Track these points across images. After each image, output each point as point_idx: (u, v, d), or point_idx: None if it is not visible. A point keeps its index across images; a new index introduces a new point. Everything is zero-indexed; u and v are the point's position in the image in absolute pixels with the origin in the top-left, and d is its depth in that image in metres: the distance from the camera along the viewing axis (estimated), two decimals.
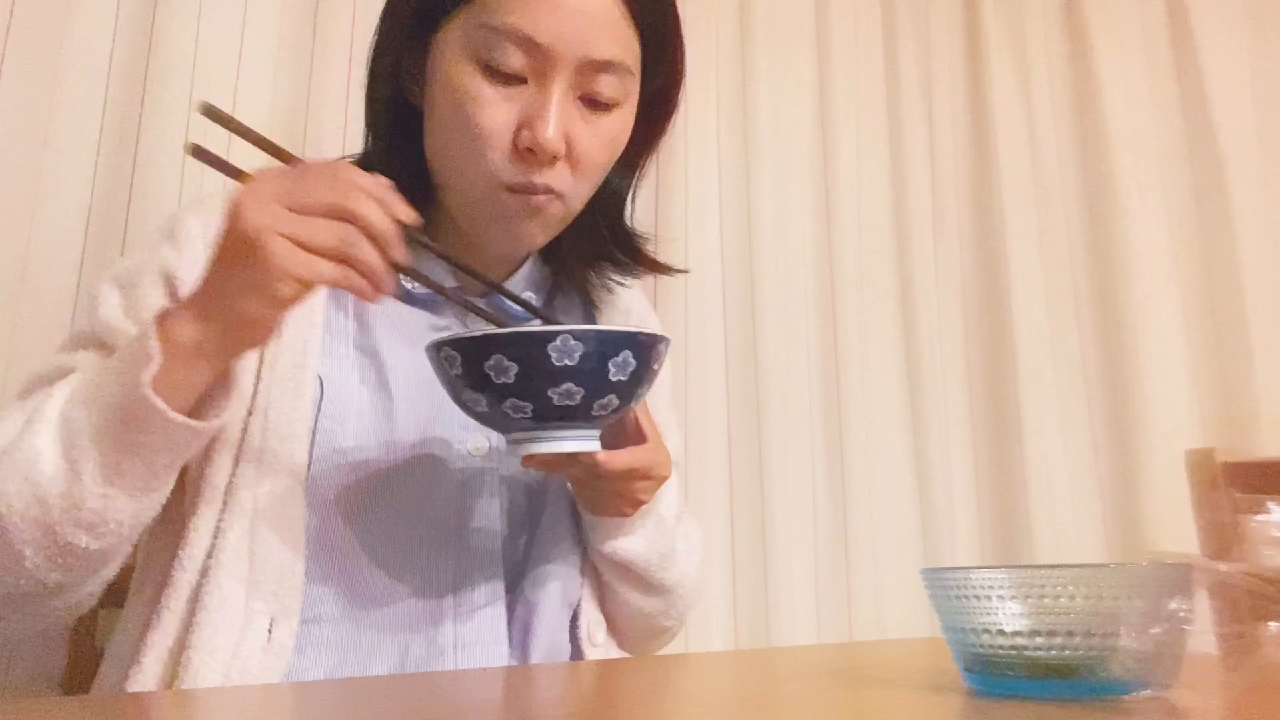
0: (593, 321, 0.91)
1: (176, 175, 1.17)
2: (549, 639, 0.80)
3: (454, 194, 0.79)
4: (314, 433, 0.73)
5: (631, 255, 0.91)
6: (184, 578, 0.69)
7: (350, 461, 0.74)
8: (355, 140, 1.27)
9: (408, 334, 0.80)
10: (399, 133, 0.81)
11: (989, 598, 0.47)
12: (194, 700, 0.56)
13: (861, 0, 1.72)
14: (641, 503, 0.76)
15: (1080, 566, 0.47)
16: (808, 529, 1.49)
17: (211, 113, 0.66)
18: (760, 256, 1.54)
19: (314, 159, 0.64)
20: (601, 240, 0.89)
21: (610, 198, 0.87)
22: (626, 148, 0.82)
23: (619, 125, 0.79)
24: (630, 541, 0.81)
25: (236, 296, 0.61)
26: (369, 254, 0.61)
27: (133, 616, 0.74)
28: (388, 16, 0.82)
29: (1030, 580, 0.47)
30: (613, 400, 0.64)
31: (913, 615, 1.48)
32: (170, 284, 0.75)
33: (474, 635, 0.76)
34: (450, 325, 0.84)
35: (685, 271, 0.99)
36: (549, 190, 0.75)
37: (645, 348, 0.64)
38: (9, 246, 1.09)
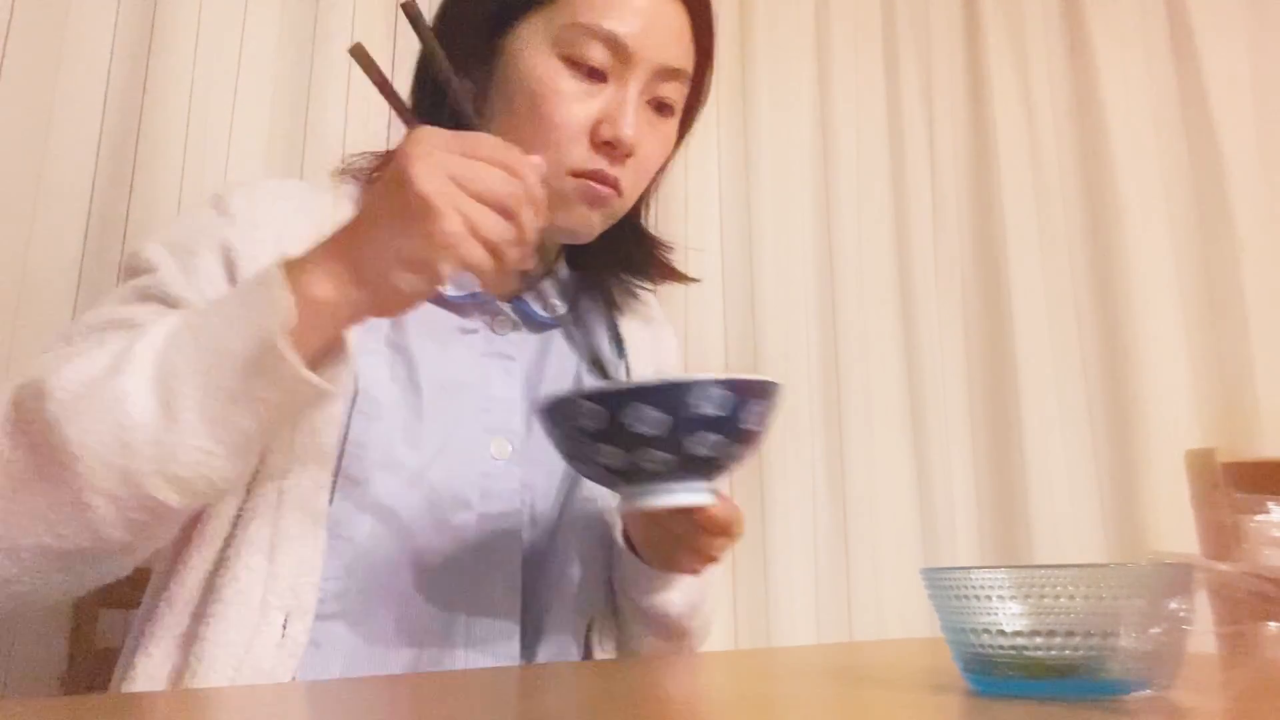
0: (616, 328, 0.92)
1: (176, 175, 1.18)
2: (559, 645, 0.80)
3: None
4: (345, 428, 0.73)
5: (650, 261, 0.92)
6: (200, 566, 0.69)
7: (378, 458, 0.74)
8: (355, 140, 1.28)
9: (438, 334, 0.81)
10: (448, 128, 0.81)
11: (989, 598, 0.47)
12: (203, 700, 0.56)
13: (861, 0, 1.72)
14: (714, 560, 0.76)
15: (1080, 566, 0.47)
16: (808, 529, 1.49)
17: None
18: (760, 256, 1.54)
19: (487, 136, 0.62)
20: (626, 246, 0.90)
21: (635, 204, 0.88)
22: None
23: (672, 132, 0.84)
24: (670, 596, 0.81)
25: (395, 264, 0.59)
26: (514, 254, 0.60)
27: (146, 602, 0.73)
28: (449, 17, 0.83)
29: (1030, 580, 0.47)
30: (743, 451, 0.64)
31: (913, 615, 1.48)
32: (228, 257, 0.73)
33: (485, 633, 0.76)
34: (478, 329, 0.84)
35: (699, 280, 1.00)
36: (616, 184, 0.78)
37: (775, 394, 0.64)
38: (9, 246, 1.09)
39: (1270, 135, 1.78)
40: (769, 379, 0.63)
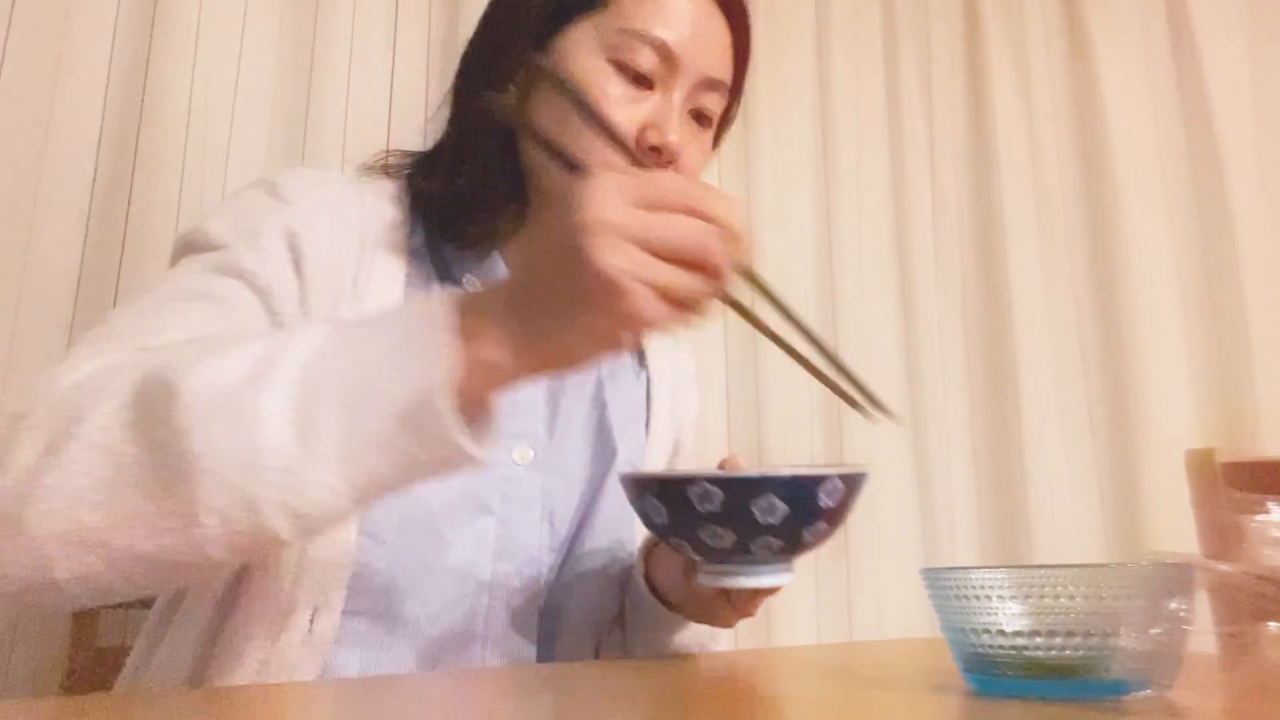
0: (642, 352, 0.93)
1: (176, 175, 1.18)
2: (575, 648, 0.81)
3: (558, 183, 0.78)
4: None
5: None
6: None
7: None
8: (355, 140, 1.28)
9: None
10: (493, 135, 0.81)
11: (989, 598, 0.47)
12: (204, 700, 0.56)
13: (861, 1, 1.72)
14: (750, 616, 0.76)
15: (1080, 566, 0.47)
16: None
17: (547, 73, 0.66)
18: (760, 256, 1.54)
19: (670, 176, 0.55)
20: None
21: None
22: None
23: (709, 142, 0.84)
24: (683, 636, 0.82)
25: (575, 335, 0.53)
26: (711, 302, 0.56)
27: (168, 593, 0.73)
28: (497, 20, 0.83)
29: (1030, 580, 0.47)
30: (826, 534, 0.66)
31: (913, 615, 1.48)
32: (293, 243, 0.71)
33: (504, 640, 0.77)
34: None
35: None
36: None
37: (861, 485, 0.66)
38: (9, 246, 1.09)
39: (1270, 135, 1.78)
40: (860, 467, 0.67)
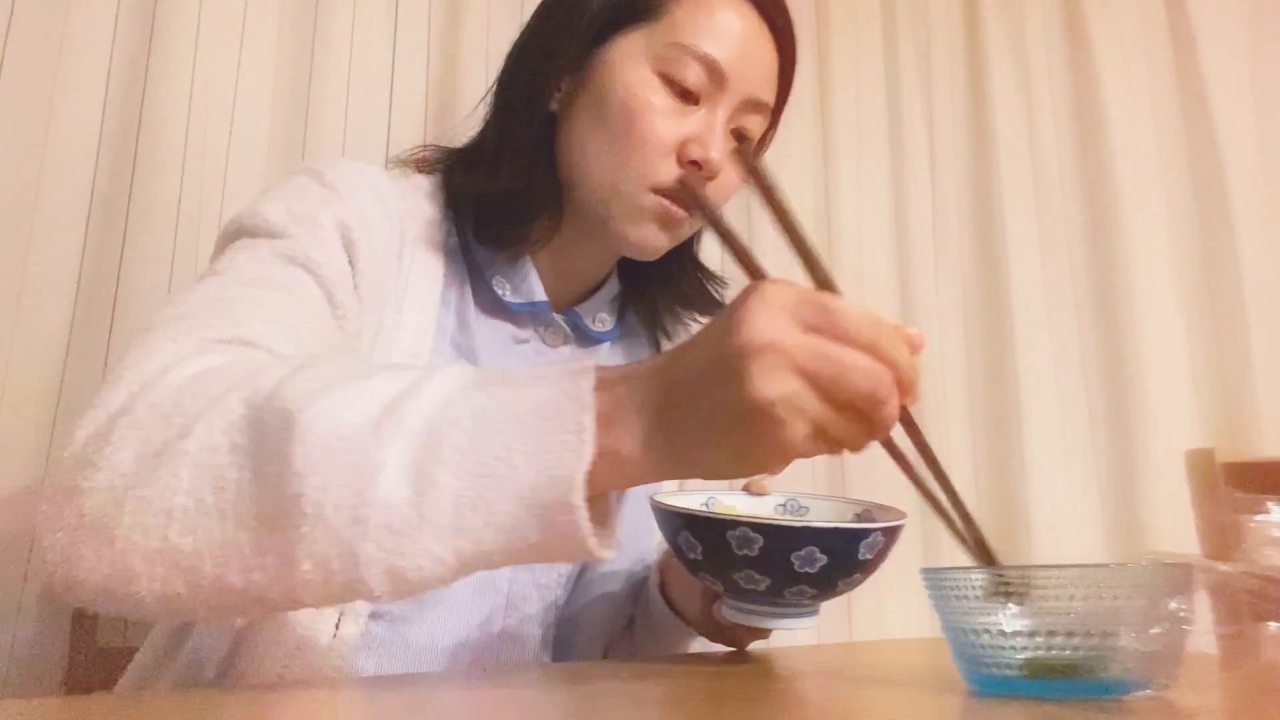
0: (657, 347, 0.93)
1: (176, 175, 1.17)
2: (589, 656, 0.81)
3: (595, 195, 0.79)
4: None
5: (702, 294, 0.92)
6: None
7: None
8: (355, 140, 1.28)
9: (497, 340, 0.82)
10: (536, 137, 0.81)
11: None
12: (202, 700, 0.56)
13: (861, 1, 1.72)
14: (765, 636, 0.76)
15: (1080, 566, 0.47)
16: None
17: (756, 175, 0.58)
18: (760, 256, 1.54)
19: (849, 304, 0.48)
20: (677, 273, 0.91)
21: (693, 235, 0.89)
22: None
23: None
24: (691, 644, 0.82)
25: (715, 452, 0.49)
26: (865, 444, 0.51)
27: None
28: (548, 24, 0.83)
29: (1030, 580, 0.47)
30: (855, 584, 0.66)
31: (913, 615, 1.48)
32: (346, 236, 0.71)
33: (520, 646, 0.77)
34: (529, 339, 0.84)
35: None
36: (696, 205, 0.75)
37: (894, 538, 0.66)
38: (9, 247, 1.09)
39: (1270, 135, 1.78)
40: (900, 519, 0.66)
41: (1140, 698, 0.46)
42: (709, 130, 0.77)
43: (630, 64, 0.77)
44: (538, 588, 0.79)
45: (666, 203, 0.77)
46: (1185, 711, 0.45)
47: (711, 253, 0.95)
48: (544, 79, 0.80)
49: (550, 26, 0.83)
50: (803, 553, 0.60)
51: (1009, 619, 0.46)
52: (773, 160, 1.57)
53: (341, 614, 0.69)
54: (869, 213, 1.65)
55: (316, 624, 0.68)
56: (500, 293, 0.81)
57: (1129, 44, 1.81)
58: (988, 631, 0.47)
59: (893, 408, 0.48)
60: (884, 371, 0.47)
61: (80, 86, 1.15)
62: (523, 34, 0.85)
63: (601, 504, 0.50)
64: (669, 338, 0.93)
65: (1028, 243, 1.71)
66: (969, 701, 0.48)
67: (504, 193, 0.79)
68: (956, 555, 1.66)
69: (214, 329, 0.58)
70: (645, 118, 0.76)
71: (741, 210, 1.52)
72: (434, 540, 0.48)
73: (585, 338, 0.87)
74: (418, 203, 0.80)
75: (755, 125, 0.81)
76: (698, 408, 0.48)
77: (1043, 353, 1.66)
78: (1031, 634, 0.46)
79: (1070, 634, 0.45)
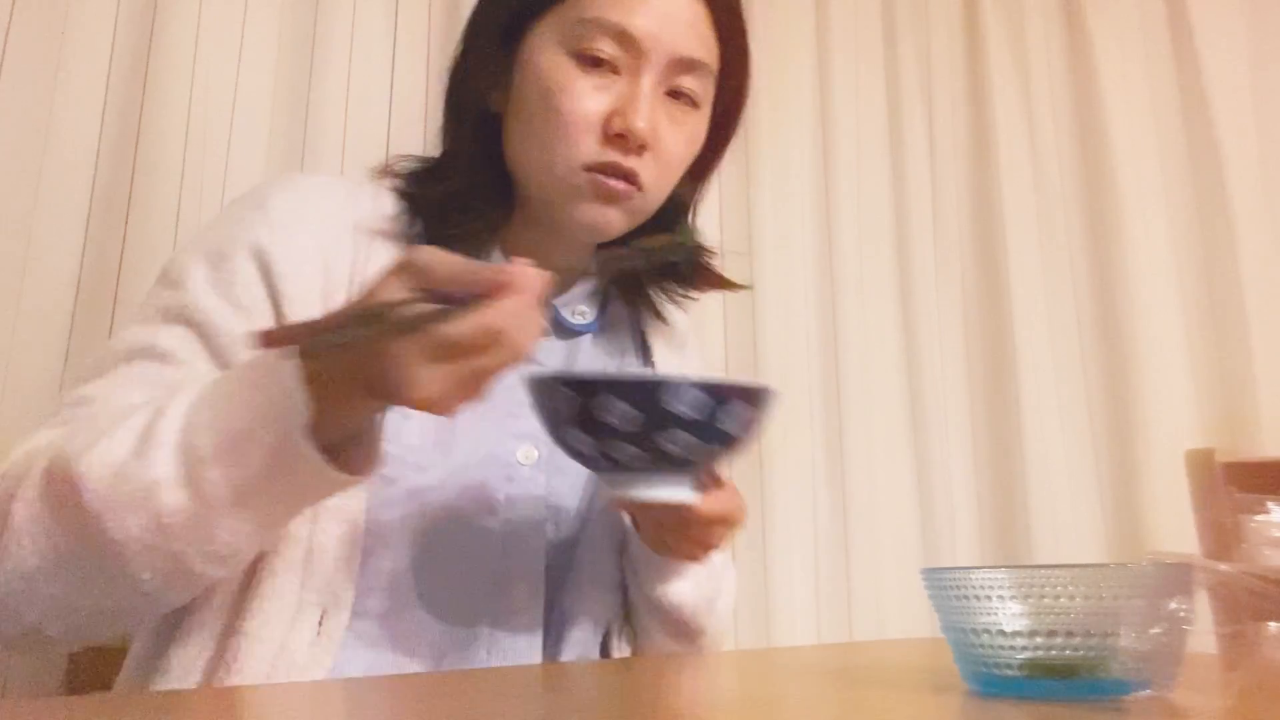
0: (643, 341, 0.92)
1: (176, 175, 1.17)
2: (580, 652, 0.81)
3: (535, 184, 0.80)
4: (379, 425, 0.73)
5: (696, 269, 0.91)
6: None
7: (410, 457, 0.74)
8: (355, 142, 1.28)
9: None
10: (479, 139, 0.82)
11: (989, 598, 0.47)
12: (204, 700, 0.56)
13: (861, 1, 1.72)
14: (714, 548, 0.76)
15: (1080, 566, 0.47)
16: (808, 529, 1.49)
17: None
18: (760, 256, 1.54)
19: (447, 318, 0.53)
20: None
21: (676, 209, 0.88)
22: (694, 160, 0.85)
23: (696, 126, 0.82)
24: (681, 586, 0.81)
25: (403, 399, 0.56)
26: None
27: None
28: (474, 25, 0.85)
29: (1030, 580, 0.47)
30: (722, 454, 0.63)
31: (913, 615, 1.48)
32: (263, 261, 0.73)
33: (509, 639, 0.77)
34: None
35: (748, 287, 1.00)
36: (632, 177, 0.77)
37: (762, 401, 0.63)
38: (9, 247, 1.09)
39: (1270, 135, 1.78)
40: (755, 384, 0.62)
41: (1140, 698, 0.46)
42: (630, 100, 0.76)
43: (545, 51, 0.78)
44: (525, 575, 0.78)
45: (600, 178, 0.76)
46: (1185, 711, 0.45)
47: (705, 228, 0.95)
48: (479, 81, 0.82)
49: (476, 29, 0.84)
50: (607, 403, 0.59)
51: (1009, 619, 0.47)
52: (773, 159, 1.58)
53: (325, 611, 0.69)
54: (869, 212, 1.65)
55: (298, 624, 0.68)
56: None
57: (1129, 44, 1.81)
58: (988, 631, 0.47)
59: (526, 337, 0.54)
60: (501, 344, 0.54)
61: (80, 86, 1.15)
62: (460, 39, 0.86)
63: (349, 434, 0.60)
64: (651, 325, 0.92)
65: (1028, 243, 1.71)
66: (969, 701, 0.48)
67: (450, 194, 0.81)
68: (956, 555, 1.66)
69: (68, 406, 0.69)
70: (563, 100, 0.76)
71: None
72: (225, 517, 0.59)
73: (564, 330, 0.87)
74: (379, 198, 0.81)
75: (694, 84, 0.80)
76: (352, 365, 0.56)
77: (1043, 353, 1.66)
78: (1031, 634, 0.46)
79: (1070, 634, 0.45)
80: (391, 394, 0.54)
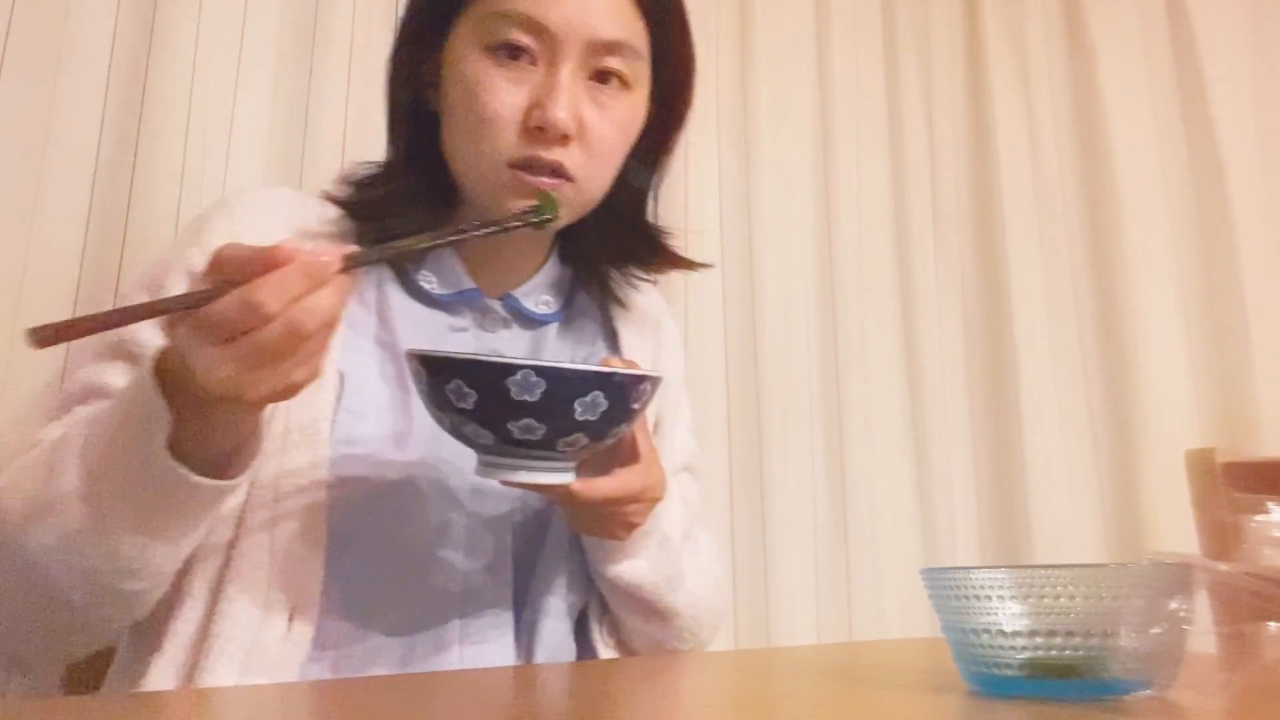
0: (611, 328, 0.91)
1: (176, 176, 1.17)
2: (554, 641, 0.80)
3: (469, 183, 0.80)
4: (333, 425, 0.73)
5: (655, 251, 0.91)
6: (208, 565, 0.70)
7: (368, 455, 0.74)
8: (355, 143, 1.28)
9: (427, 332, 0.82)
10: (421, 141, 0.83)
11: (989, 598, 0.47)
12: (203, 700, 0.56)
13: (861, 0, 1.72)
14: (635, 525, 0.74)
15: (1080, 566, 0.47)
16: (808, 529, 1.49)
17: None
18: (760, 256, 1.54)
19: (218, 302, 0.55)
20: (624, 237, 0.90)
21: (631, 194, 0.88)
22: (646, 143, 0.85)
23: (629, 109, 0.81)
24: (634, 565, 0.79)
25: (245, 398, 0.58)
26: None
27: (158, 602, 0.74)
28: (403, 28, 0.85)
29: (1030, 580, 0.47)
30: (580, 439, 0.61)
31: (913, 615, 1.48)
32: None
33: (480, 633, 0.76)
34: (468, 327, 0.84)
35: (710, 265, 0.99)
36: (558, 170, 0.76)
37: (620, 389, 0.61)
38: (9, 246, 1.09)
39: (1270, 135, 1.78)
40: (605, 370, 0.61)
41: (1140, 698, 0.46)
42: (548, 91, 0.75)
43: (462, 50, 0.78)
44: (492, 572, 0.78)
45: (522, 174, 0.76)
46: (1185, 711, 0.45)
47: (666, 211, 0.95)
48: (411, 82, 0.83)
49: (405, 29, 0.85)
50: (451, 385, 0.59)
51: (1009, 619, 0.47)
52: (773, 159, 1.58)
53: (293, 612, 0.70)
54: (869, 213, 1.65)
55: (269, 621, 0.69)
56: (427, 286, 0.83)
57: (1129, 44, 1.81)
58: (988, 631, 0.47)
59: (320, 321, 0.55)
60: (296, 336, 0.54)
61: (80, 87, 1.15)
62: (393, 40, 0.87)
63: (213, 445, 0.62)
64: (618, 311, 0.92)
65: (1028, 243, 1.71)
66: (969, 701, 0.48)
67: (389, 196, 0.82)
68: (956, 555, 1.66)
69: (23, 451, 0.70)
70: (482, 97, 0.76)
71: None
72: (126, 535, 0.61)
73: (528, 321, 0.87)
74: (328, 208, 0.82)
75: (619, 65, 0.78)
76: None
77: (1042, 352, 1.66)
78: (1031, 634, 0.46)
79: (1070, 634, 0.45)
80: (201, 385, 0.56)
